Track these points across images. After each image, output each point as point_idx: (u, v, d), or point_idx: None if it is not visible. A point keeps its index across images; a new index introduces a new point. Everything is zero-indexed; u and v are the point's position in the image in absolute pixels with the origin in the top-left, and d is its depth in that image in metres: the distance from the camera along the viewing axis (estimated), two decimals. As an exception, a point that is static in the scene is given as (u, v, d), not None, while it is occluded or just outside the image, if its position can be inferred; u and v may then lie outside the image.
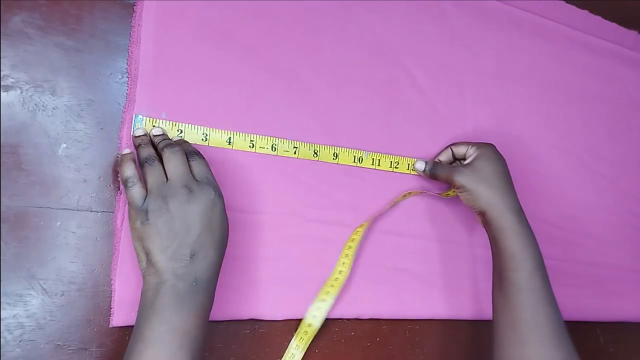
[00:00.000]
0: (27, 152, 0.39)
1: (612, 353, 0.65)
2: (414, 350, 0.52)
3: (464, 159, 0.51)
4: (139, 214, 0.36)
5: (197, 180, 0.37)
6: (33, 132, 0.39)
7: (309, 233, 0.48)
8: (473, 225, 0.56)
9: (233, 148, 0.45)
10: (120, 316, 0.40)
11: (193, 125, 0.43)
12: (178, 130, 0.43)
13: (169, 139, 0.41)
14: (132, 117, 0.41)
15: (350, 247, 0.48)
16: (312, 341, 0.46)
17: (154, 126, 0.42)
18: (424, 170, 0.52)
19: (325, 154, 0.49)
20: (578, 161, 0.64)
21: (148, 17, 0.43)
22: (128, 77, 0.42)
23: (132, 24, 0.42)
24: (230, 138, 0.45)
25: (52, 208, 0.39)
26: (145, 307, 0.35)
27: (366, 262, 0.50)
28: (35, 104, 0.39)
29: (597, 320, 0.64)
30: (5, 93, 0.38)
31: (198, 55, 0.44)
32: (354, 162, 0.50)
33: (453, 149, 0.52)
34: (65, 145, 0.40)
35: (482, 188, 0.47)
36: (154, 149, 0.40)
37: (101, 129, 0.41)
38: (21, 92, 0.39)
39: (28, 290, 0.38)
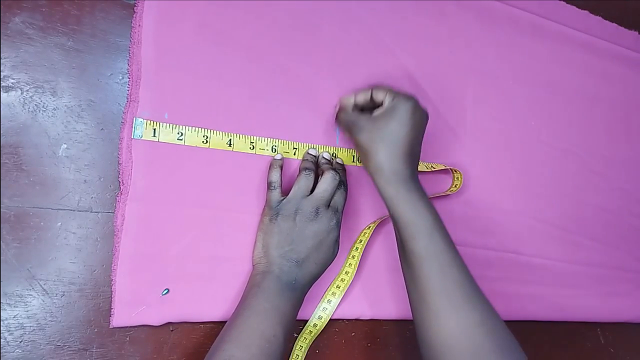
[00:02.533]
0: (27, 152, 0.39)
1: (612, 353, 0.65)
2: (415, 350, 0.52)
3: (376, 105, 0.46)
4: (271, 212, 0.43)
5: (328, 206, 0.43)
6: (33, 132, 0.39)
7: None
8: (473, 226, 0.56)
9: (233, 150, 0.45)
10: (121, 317, 0.40)
11: (194, 128, 0.43)
12: (178, 133, 0.43)
13: (332, 166, 0.47)
14: (132, 118, 0.41)
15: (357, 248, 0.49)
16: (312, 341, 0.46)
17: (326, 152, 0.48)
18: (336, 117, 0.48)
19: None
20: (578, 161, 0.64)
21: (149, 17, 0.43)
22: (129, 78, 0.42)
23: (132, 25, 0.42)
24: (230, 140, 0.45)
25: (52, 209, 0.39)
26: (253, 286, 0.41)
27: (367, 263, 0.50)
28: (35, 105, 0.39)
29: (597, 320, 0.64)
30: (6, 94, 0.38)
31: (199, 55, 0.44)
32: (353, 161, 0.50)
33: (373, 93, 0.45)
34: (65, 145, 0.40)
35: (375, 149, 0.42)
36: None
37: (102, 129, 0.41)
38: (22, 93, 0.39)
39: (28, 290, 0.38)
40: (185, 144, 0.43)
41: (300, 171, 0.45)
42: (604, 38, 0.67)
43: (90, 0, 0.42)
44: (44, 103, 0.40)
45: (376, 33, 0.53)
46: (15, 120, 0.39)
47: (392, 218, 0.43)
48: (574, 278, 0.62)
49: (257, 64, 0.47)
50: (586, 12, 0.66)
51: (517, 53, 0.61)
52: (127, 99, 0.42)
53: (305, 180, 0.44)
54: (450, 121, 0.56)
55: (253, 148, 0.46)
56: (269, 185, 0.45)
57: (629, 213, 0.68)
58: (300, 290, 0.42)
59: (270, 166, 0.46)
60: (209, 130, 0.44)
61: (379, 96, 0.45)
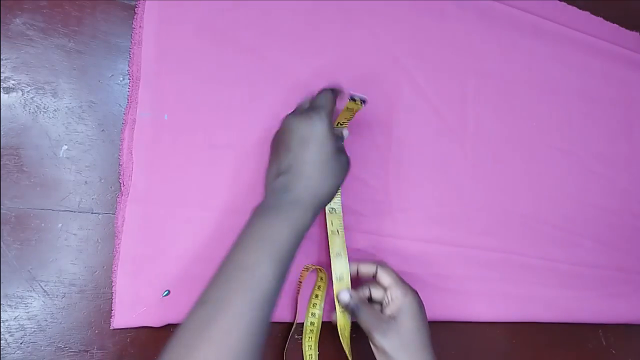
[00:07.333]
0: (28, 154, 0.39)
1: (614, 355, 0.65)
2: (416, 352, 0.52)
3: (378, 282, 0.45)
4: None
5: (306, 109, 0.40)
6: (34, 134, 0.39)
7: (309, 235, 0.48)
8: (475, 227, 0.56)
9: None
10: (121, 318, 0.40)
11: None
12: None
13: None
14: (134, 119, 0.41)
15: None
16: (318, 339, 0.47)
17: None
18: (347, 304, 0.43)
19: None
20: (579, 162, 0.64)
21: (149, 18, 0.43)
22: (129, 79, 0.42)
23: (133, 26, 0.42)
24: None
25: (53, 210, 0.39)
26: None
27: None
28: (36, 106, 0.39)
29: (599, 322, 0.64)
30: (7, 95, 0.38)
31: (199, 56, 0.44)
32: None
33: (379, 275, 0.44)
34: (66, 147, 0.40)
35: (404, 357, 0.41)
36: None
37: (102, 130, 0.41)
38: (22, 94, 0.39)
39: (29, 292, 0.38)
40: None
41: None
42: (604, 39, 0.67)
43: (91, 1, 0.42)
44: (45, 104, 0.40)
45: (376, 34, 0.53)
46: (16, 122, 0.39)
47: None
48: (576, 279, 0.62)
49: (258, 65, 0.47)
50: (587, 12, 0.66)
51: (518, 54, 0.61)
52: (128, 100, 0.42)
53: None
54: (450, 122, 0.56)
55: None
56: None
57: (630, 214, 0.68)
58: (298, 202, 0.37)
59: None
60: None
61: (385, 281, 0.44)
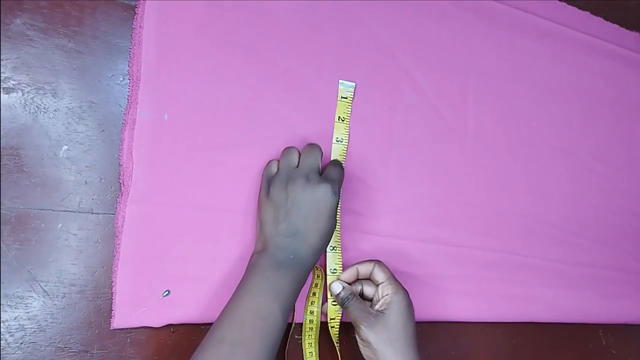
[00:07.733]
0: (28, 154, 0.39)
1: (614, 355, 0.65)
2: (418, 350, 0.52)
3: (370, 279, 0.46)
4: (265, 186, 0.43)
5: (320, 176, 0.42)
6: (34, 134, 0.39)
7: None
8: (474, 227, 0.56)
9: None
10: (121, 318, 0.40)
11: None
12: None
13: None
14: (134, 119, 0.41)
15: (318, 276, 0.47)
16: (318, 336, 0.47)
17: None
18: (338, 294, 0.45)
19: None
20: (579, 163, 0.64)
21: (149, 18, 0.43)
22: (129, 79, 0.42)
23: (133, 26, 0.42)
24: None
25: (53, 210, 0.39)
26: (251, 265, 0.41)
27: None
28: (36, 106, 0.39)
29: (599, 322, 0.64)
30: (7, 95, 0.38)
31: (200, 57, 0.44)
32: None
33: (375, 272, 0.46)
34: (66, 147, 0.40)
35: (389, 352, 0.42)
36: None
37: (102, 131, 0.41)
38: (23, 94, 0.39)
39: (29, 292, 0.38)
40: None
41: (283, 150, 0.45)
42: (605, 39, 0.67)
43: (91, 1, 0.42)
44: (45, 104, 0.40)
45: (376, 34, 0.53)
46: (16, 122, 0.39)
47: None
48: (576, 279, 0.62)
49: (257, 65, 0.47)
50: (587, 12, 0.66)
51: (518, 54, 0.61)
52: (128, 100, 0.42)
53: (289, 153, 0.44)
54: (450, 122, 0.56)
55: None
56: (268, 163, 0.45)
57: (630, 214, 0.68)
58: (301, 264, 0.41)
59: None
60: None
61: (379, 277, 0.45)
